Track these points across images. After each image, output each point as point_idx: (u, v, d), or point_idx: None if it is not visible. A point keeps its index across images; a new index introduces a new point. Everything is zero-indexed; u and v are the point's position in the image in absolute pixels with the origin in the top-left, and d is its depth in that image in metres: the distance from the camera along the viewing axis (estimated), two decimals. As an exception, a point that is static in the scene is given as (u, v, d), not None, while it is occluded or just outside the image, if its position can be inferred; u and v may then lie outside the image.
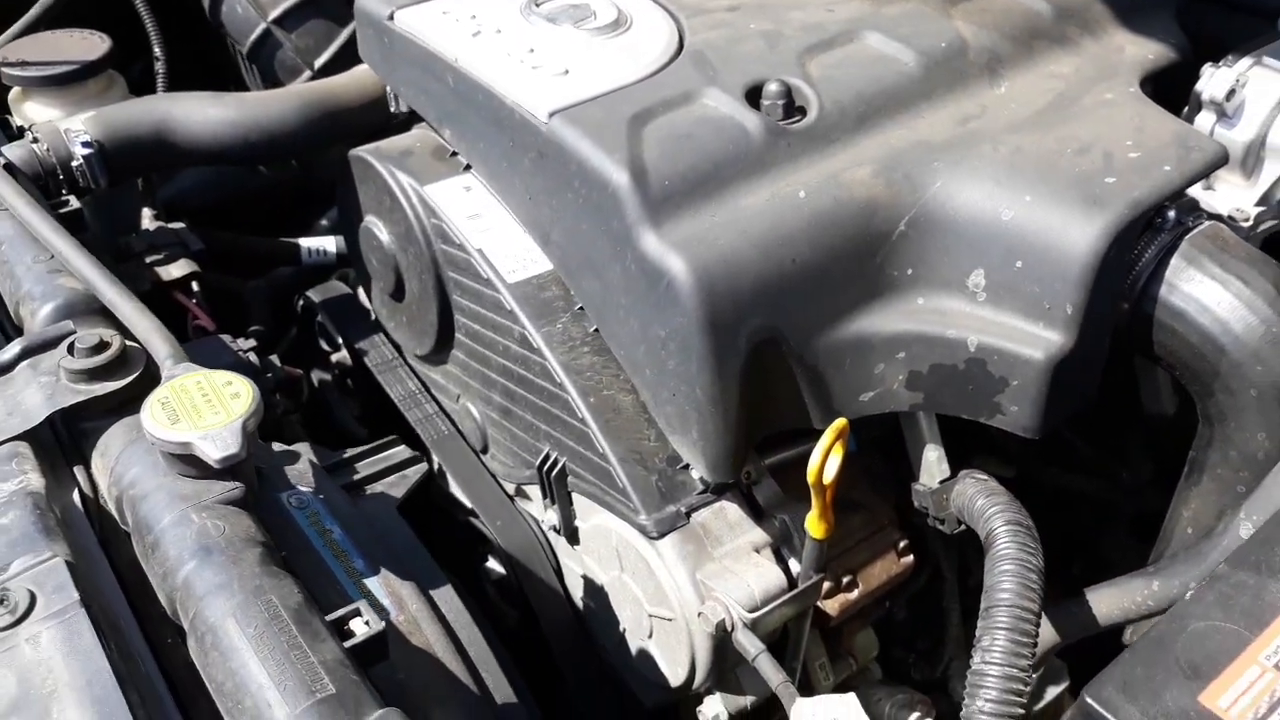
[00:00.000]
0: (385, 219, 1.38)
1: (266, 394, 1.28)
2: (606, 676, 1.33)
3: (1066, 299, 1.04)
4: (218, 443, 0.83)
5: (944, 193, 1.09)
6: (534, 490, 1.36)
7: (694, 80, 1.15)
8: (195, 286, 1.40)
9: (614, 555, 1.21)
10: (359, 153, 1.38)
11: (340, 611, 0.79)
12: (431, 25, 1.27)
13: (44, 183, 1.32)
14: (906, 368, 1.11)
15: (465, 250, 1.26)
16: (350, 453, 1.12)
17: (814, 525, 1.07)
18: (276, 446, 1.15)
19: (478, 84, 1.19)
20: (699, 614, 1.10)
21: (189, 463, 0.85)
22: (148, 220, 1.52)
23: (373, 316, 1.57)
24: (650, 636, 1.20)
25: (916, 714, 1.30)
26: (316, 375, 1.71)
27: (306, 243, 1.80)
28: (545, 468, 1.25)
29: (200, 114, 1.36)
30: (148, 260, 1.41)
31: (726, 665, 1.17)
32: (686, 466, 1.16)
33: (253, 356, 1.23)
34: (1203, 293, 1.08)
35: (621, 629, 1.25)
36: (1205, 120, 1.23)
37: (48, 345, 1.00)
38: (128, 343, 1.00)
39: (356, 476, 1.08)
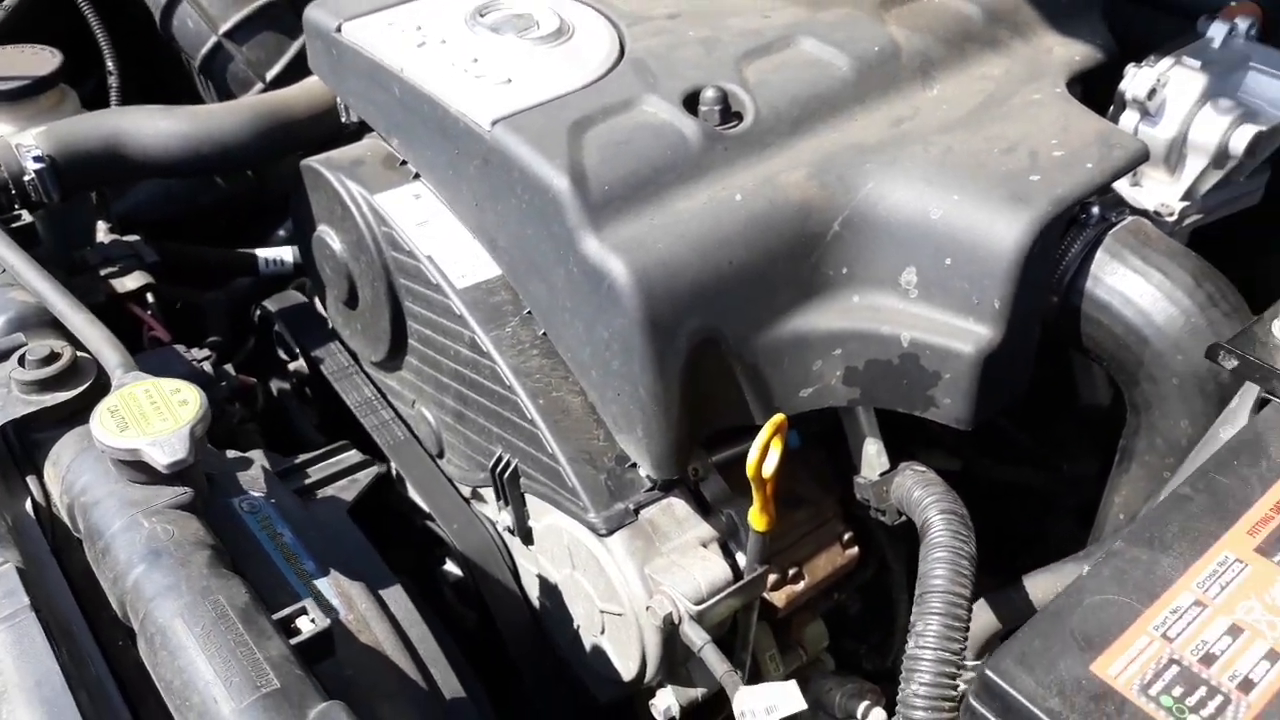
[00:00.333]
0: (337, 228, 1.40)
1: (221, 402, 1.31)
2: (563, 674, 1.36)
3: (993, 294, 1.08)
4: (166, 449, 0.85)
5: (876, 193, 1.12)
6: (489, 493, 1.39)
7: (634, 87, 1.18)
8: (150, 298, 1.42)
9: (566, 554, 1.23)
10: (310, 163, 1.40)
11: (287, 610, 0.81)
12: (378, 36, 1.30)
13: (-4, 197, 1.33)
14: (843, 364, 1.14)
15: (415, 257, 1.28)
16: (302, 458, 1.14)
17: (756, 519, 1.11)
18: (231, 453, 1.17)
19: (423, 94, 1.21)
20: (647, 608, 1.13)
21: (138, 469, 0.87)
22: (102, 233, 1.53)
23: (329, 324, 1.59)
24: (602, 632, 1.23)
25: (866, 702, 1.33)
26: (275, 384, 1.73)
27: (263, 253, 1.81)
28: (498, 470, 1.27)
29: (151, 127, 1.38)
30: (102, 273, 1.42)
31: (676, 658, 1.20)
32: (635, 465, 1.19)
33: (207, 366, 1.25)
34: (1126, 285, 1.12)
35: (575, 626, 1.28)
36: (1129, 119, 1.27)
37: None
38: (79, 353, 1.02)
39: (308, 481, 1.10)
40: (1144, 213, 1.29)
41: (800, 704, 1.00)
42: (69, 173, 1.36)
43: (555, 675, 1.36)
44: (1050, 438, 1.60)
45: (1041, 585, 1.18)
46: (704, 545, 1.19)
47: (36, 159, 1.34)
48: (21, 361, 1.00)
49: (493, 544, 1.39)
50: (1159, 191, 1.30)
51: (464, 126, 1.17)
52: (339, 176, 1.36)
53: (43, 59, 1.58)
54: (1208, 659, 0.63)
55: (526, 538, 1.32)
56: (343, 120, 1.44)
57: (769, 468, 1.06)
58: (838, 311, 1.14)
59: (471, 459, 1.37)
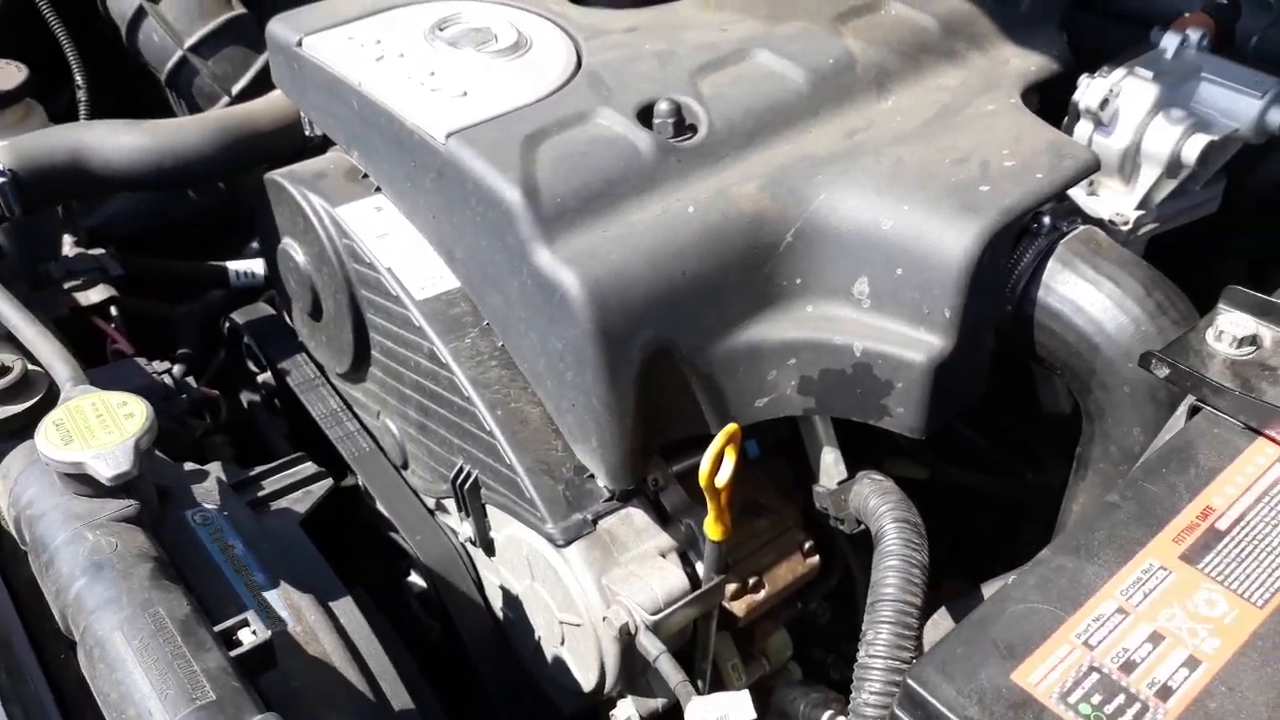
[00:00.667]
0: (300, 240, 1.40)
1: (182, 415, 1.31)
2: (527, 686, 1.36)
3: (944, 304, 1.08)
4: (110, 461, 0.86)
5: (828, 204, 1.13)
6: (452, 504, 1.39)
7: (588, 100, 1.19)
8: (114, 311, 1.42)
9: (525, 565, 1.24)
10: (274, 176, 1.41)
11: (228, 622, 0.81)
12: (337, 50, 1.30)
13: (-41, 212, 1.34)
14: (798, 373, 1.15)
15: (375, 269, 1.29)
16: (258, 470, 1.14)
17: (711, 528, 1.11)
18: (189, 466, 1.17)
19: (380, 107, 1.22)
20: (603, 618, 1.14)
21: (83, 482, 0.88)
22: (68, 247, 1.53)
23: (296, 337, 1.60)
24: (562, 643, 1.23)
25: (830, 712, 1.33)
26: (246, 396, 1.73)
27: (235, 266, 1.82)
28: (459, 481, 1.28)
29: (114, 141, 1.39)
30: (66, 286, 1.42)
31: (636, 669, 1.20)
32: (593, 475, 1.20)
33: (168, 378, 1.25)
34: (1077, 294, 1.12)
35: (536, 637, 1.28)
36: (1083, 129, 1.29)
37: (-50, 372, 1.02)
38: (30, 367, 1.02)
39: (262, 493, 1.10)
40: (1099, 222, 1.30)
41: (751, 714, 1.00)
42: (31, 187, 1.37)
43: (519, 687, 1.36)
44: (1016, 445, 1.61)
45: (998, 592, 1.19)
46: (663, 555, 1.19)
47: (-1, 173, 1.34)
48: (-27, 375, 1.00)
49: (456, 555, 1.39)
50: (1114, 201, 1.31)
51: (419, 139, 1.18)
52: (301, 189, 1.36)
53: (8, 74, 1.58)
54: (1128, 666, 0.64)
55: (488, 549, 1.32)
56: (306, 134, 1.45)
57: (722, 477, 1.06)
58: (791, 321, 1.14)
59: (434, 470, 1.37)
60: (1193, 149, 1.24)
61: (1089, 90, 1.26)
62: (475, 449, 1.25)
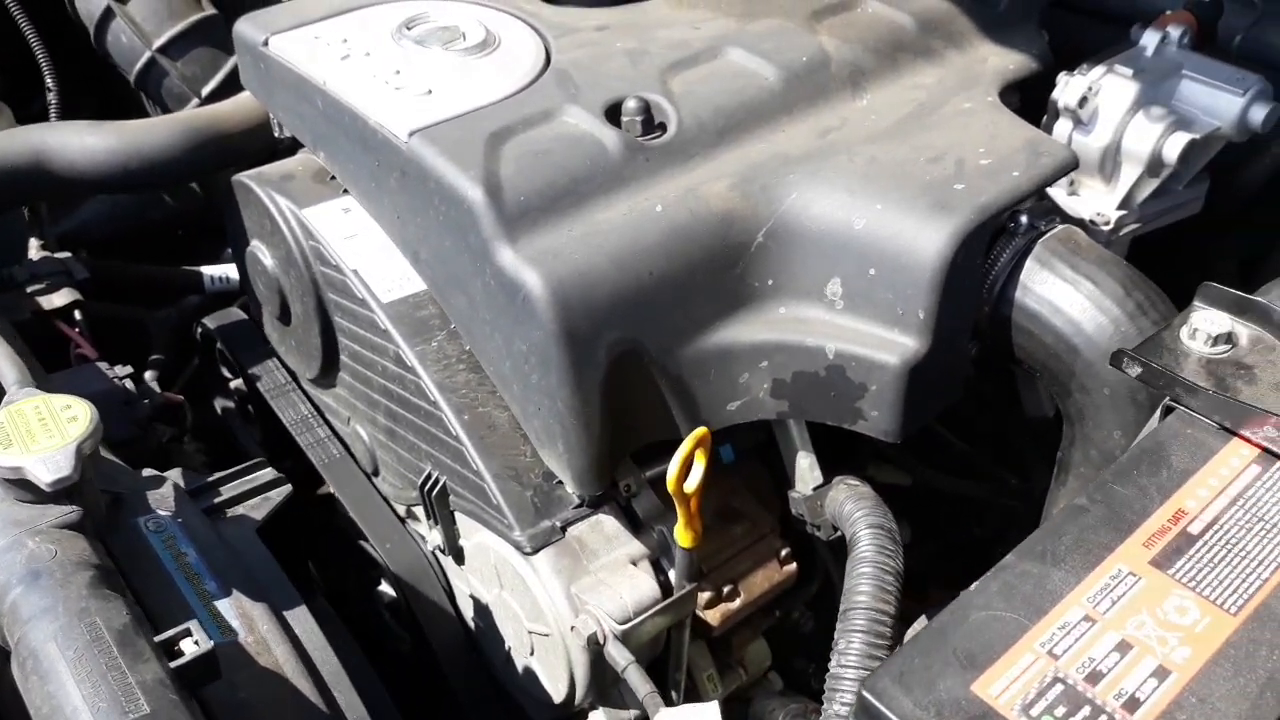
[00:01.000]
0: (268, 242, 1.38)
1: (144, 420, 1.28)
2: (499, 697, 1.33)
3: (918, 305, 1.06)
4: (50, 466, 0.83)
5: (800, 203, 1.11)
6: (422, 511, 1.36)
7: (555, 98, 1.17)
8: (78, 315, 1.39)
9: (494, 573, 1.21)
10: (241, 178, 1.38)
11: (169, 633, 0.78)
12: (303, 50, 1.28)
13: (-81, 215, 1.32)
14: (770, 376, 1.12)
15: (342, 271, 1.26)
16: (215, 476, 1.11)
17: (681, 534, 1.08)
18: (148, 472, 1.14)
19: (344, 106, 1.20)
20: (572, 628, 1.11)
21: (24, 487, 0.85)
22: (34, 251, 1.51)
23: (267, 342, 1.57)
24: (532, 653, 1.20)
25: (807, 723, 1.31)
26: (219, 403, 1.71)
27: (210, 270, 1.80)
28: (427, 487, 1.25)
29: (78, 142, 1.36)
30: (30, 290, 1.40)
31: (606, 680, 1.17)
32: (562, 482, 1.17)
33: (129, 383, 1.22)
34: (1055, 295, 1.10)
35: (507, 647, 1.25)
36: (1062, 127, 1.26)
37: (-105, 376, 0.99)
38: (-23, 371, 1.00)
39: (218, 499, 1.07)
40: (1079, 222, 1.27)
41: (718, 725, 0.98)
42: (-7, 190, 1.34)
43: (491, 698, 1.34)
44: (1000, 451, 1.58)
45: (976, 600, 1.16)
46: (634, 563, 1.16)
47: (-41, 176, 1.32)
48: (-82, 379, 0.98)
49: (426, 564, 1.36)
50: (1095, 200, 1.29)
51: (382, 139, 1.15)
52: (268, 191, 1.34)
53: (-26, 77, 1.56)
54: (1094, 677, 0.61)
55: (458, 557, 1.29)
56: (276, 135, 1.42)
57: (691, 482, 1.04)
58: (763, 323, 1.12)
59: (404, 476, 1.34)
60: (1174, 147, 1.22)
61: (1068, 88, 1.24)
62: (443, 454, 1.22)
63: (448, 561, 1.34)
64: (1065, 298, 1.09)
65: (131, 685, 0.72)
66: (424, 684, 1.35)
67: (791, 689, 1.43)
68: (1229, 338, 0.85)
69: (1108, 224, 1.27)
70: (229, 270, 1.81)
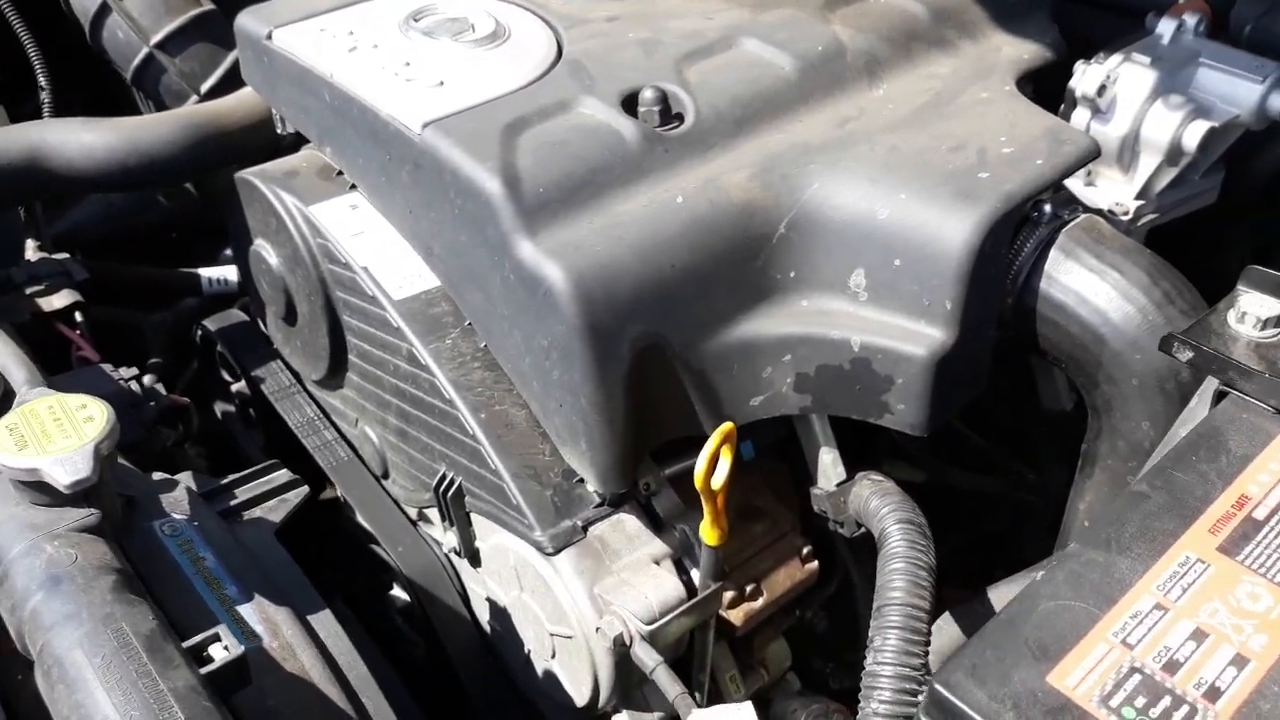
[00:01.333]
0: (273, 241, 1.35)
1: (150, 423, 1.25)
2: (517, 701, 1.30)
3: (945, 295, 1.04)
4: (68, 467, 0.80)
5: (821, 194, 1.09)
6: (435, 513, 1.33)
7: (570, 89, 1.15)
8: (79, 317, 1.36)
9: (513, 575, 1.19)
10: (244, 175, 1.36)
11: (198, 637, 0.76)
12: (309, 42, 1.26)
13: (-87, 216, 1.28)
14: (794, 370, 1.10)
15: (351, 269, 1.24)
16: (230, 478, 1.08)
17: (708, 532, 1.06)
18: (158, 476, 1.11)
19: (353, 99, 1.17)
20: (596, 629, 1.08)
21: (41, 490, 0.82)
22: (31, 251, 1.47)
23: (270, 343, 1.54)
24: (553, 656, 1.18)
25: (831, 722, 1.29)
26: (220, 406, 1.67)
27: (207, 272, 1.76)
28: (441, 489, 1.23)
29: (75, 140, 1.33)
30: (29, 291, 1.36)
31: (631, 682, 1.15)
32: (582, 480, 1.15)
33: (134, 385, 1.19)
34: (1081, 284, 1.09)
35: (526, 650, 1.23)
36: (1080, 116, 1.25)
37: (-100, 377, 0.96)
38: (-16, 371, 0.96)
39: (234, 502, 1.04)
40: (1099, 212, 1.26)
41: (753, 725, 0.96)
42: (-12, 188, 1.31)
43: (508, 702, 1.31)
44: (1015, 444, 1.57)
45: (1006, 596, 1.15)
46: (656, 562, 1.14)
47: (-47, 175, 1.28)
48: (-77, 381, 0.94)
49: (440, 567, 1.34)
50: (1113, 190, 1.28)
51: (394, 131, 1.13)
52: (273, 188, 1.31)
53: (-36, 75, 1.53)
54: (1171, 666, 0.59)
55: (474, 559, 1.27)
56: (279, 131, 1.39)
57: (718, 479, 1.02)
58: (786, 316, 1.10)
59: (416, 478, 1.32)
60: (1193, 136, 1.21)
61: (1085, 77, 1.23)
62: (458, 455, 1.20)
63: (462, 564, 1.31)
64: (1091, 287, 1.08)
65: (164, 692, 0.69)
66: (439, 689, 1.32)
67: (809, 689, 1.41)
68: (1278, 320, 0.83)
69: (1127, 214, 1.26)
70: (227, 272, 1.78)
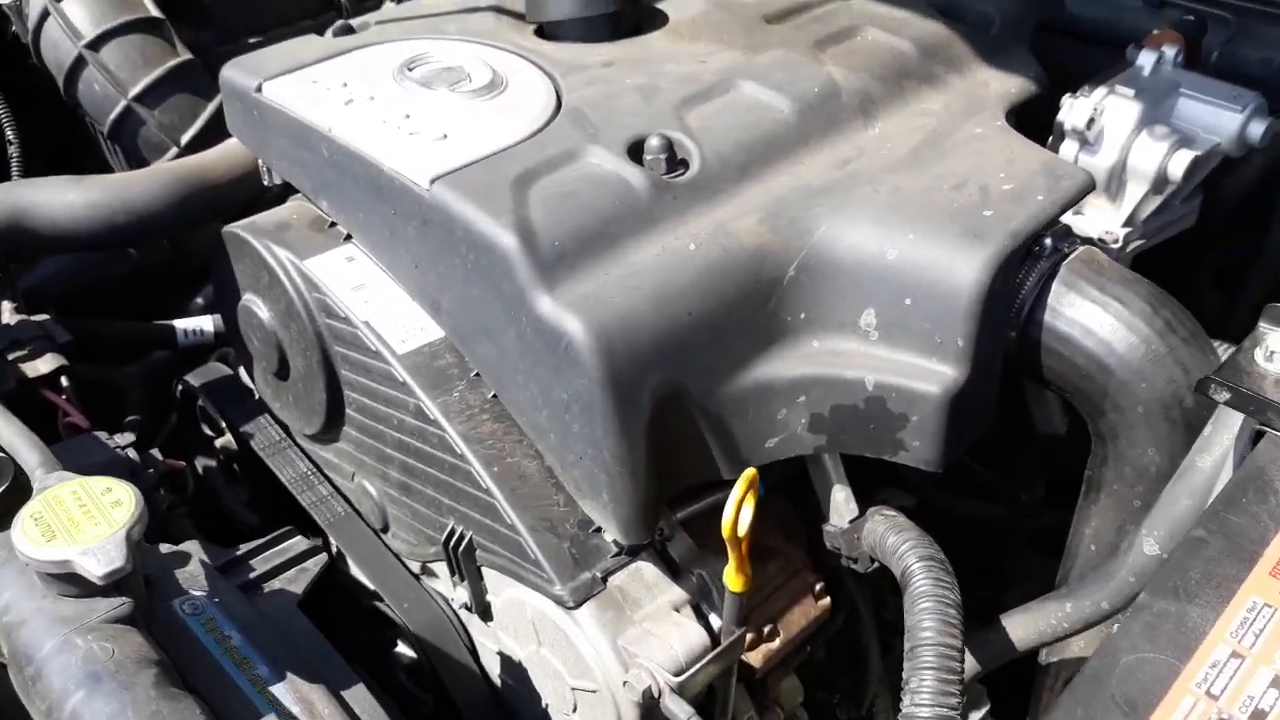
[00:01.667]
0: (265, 296, 1.32)
1: (149, 491, 1.22)
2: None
3: (957, 332, 1.06)
4: (100, 558, 0.77)
5: (829, 236, 1.10)
6: (441, 568, 1.32)
7: (575, 138, 1.14)
8: (65, 381, 1.32)
9: (530, 629, 1.17)
10: (233, 229, 1.33)
11: (247, 728, 0.74)
12: (302, 95, 1.24)
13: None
14: (808, 411, 1.11)
15: (351, 323, 1.22)
16: (244, 548, 1.06)
17: (732, 579, 1.06)
18: (164, 548, 1.08)
19: (354, 153, 1.16)
20: (624, 683, 1.08)
21: (70, 581, 0.79)
22: (8, 314, 1.42)
23: (257, 397, 1.51)
24: (574, 711, 1.17)
25: (846, 756, 1.29)
26: (201, 463, 1.63)
27: (182, 324, 1.72)
28: (451, 543, 1.21)
29: (59, 199, 1.29)
30: (11, 357, 1.32)
31: (657, 733, 1.14)
32: (598, 530, 1.14)
33: (131, 452, 1.16)
34: (1085, 316, 1.11)
35: (544, 706, 1.21)
36: (1069, 149, 1.28)
37: (-99, 463, 0.92)
38: (-9, 453, 0.93)
39: (253, 574, 1.02)
40: (1089, 240, 1.29)
41: (797, 774, 0.95)
42: (-33, 252, 1.27)
43: (524, 758, 1.29)
44: (1007, 469, 1.59)
45: (1020, 625, 1.16)
46: (676, 610, 1.14)
47: (-70, 239, 1.24)
48: (-74, 466, 0.91)
49: (447, 622, 1.32)
50: (1101, 219, 1.31)
51: (400, 186, 1.12)
52: (265, 243, 1.29)
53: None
54: (1258, 716, 0.60)
55: (485, 614, 1.25)
56: (265, 183, 1.37)
57: (744, 525, 1.02)
58: (799, 357, 1.11)
59: (421, 533, 1.30)
60: (1179, 164, 1.24)
61: (1074, 110, 1.26)
62: (470, 509, 1.18)
63: (471, 619, 1.30)
64: (1095, 319, 1.10)
65: (222, 791, 0.67)
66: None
67: (818, 721, 1.42)
68: (1305, 358, 0.86)
69: (1116, 242, 1.29)
70: (202, 323, 1.74)
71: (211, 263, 1.41)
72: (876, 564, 1.19)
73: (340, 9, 1.89)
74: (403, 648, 1.35)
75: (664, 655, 1.08)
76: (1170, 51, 1.30)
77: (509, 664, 1.24)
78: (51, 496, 0.82)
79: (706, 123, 1.19)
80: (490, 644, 1.27)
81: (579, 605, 1.10)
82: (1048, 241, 1.14)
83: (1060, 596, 1.11)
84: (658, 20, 1.41)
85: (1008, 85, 1.33)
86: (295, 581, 1.02)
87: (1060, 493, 1.64)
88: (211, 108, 1.62)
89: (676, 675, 1.06)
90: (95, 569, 0.77)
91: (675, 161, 1.13)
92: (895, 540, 1.13)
